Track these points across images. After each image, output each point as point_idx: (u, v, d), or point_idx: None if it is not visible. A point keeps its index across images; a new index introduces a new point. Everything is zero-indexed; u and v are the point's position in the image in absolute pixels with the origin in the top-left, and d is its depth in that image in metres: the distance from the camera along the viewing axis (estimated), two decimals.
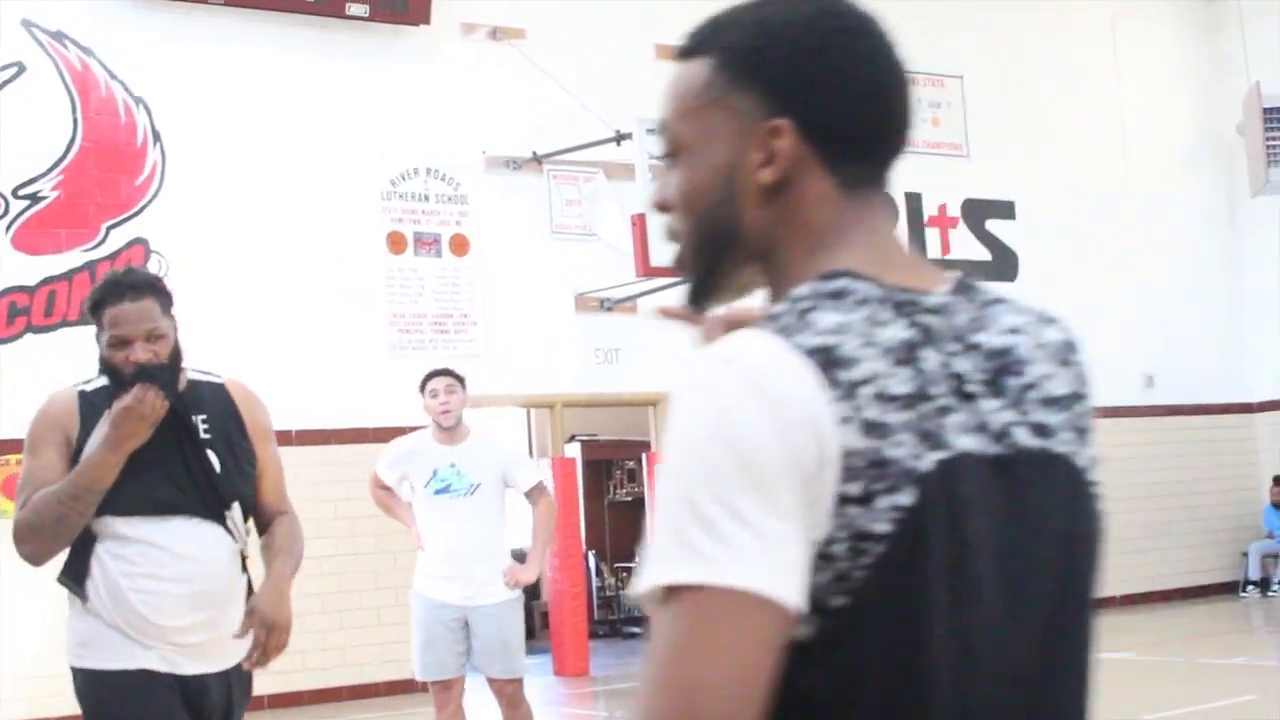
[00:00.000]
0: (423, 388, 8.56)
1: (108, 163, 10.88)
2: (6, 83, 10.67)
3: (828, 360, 1.49)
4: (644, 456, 12.20)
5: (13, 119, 10.61)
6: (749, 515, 1.41)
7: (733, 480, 1.42)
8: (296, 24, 11.46)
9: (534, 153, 11.92)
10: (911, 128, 1.67)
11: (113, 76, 10.96)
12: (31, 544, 4.18)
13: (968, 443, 1.53)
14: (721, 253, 1.70)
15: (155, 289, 4.25)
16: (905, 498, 1.46)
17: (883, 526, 1.45)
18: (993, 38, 14.66)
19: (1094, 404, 1.69)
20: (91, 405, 4.23)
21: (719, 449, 1.44)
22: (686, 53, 1.70)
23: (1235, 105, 15.13)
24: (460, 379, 8.46)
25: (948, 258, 13.87)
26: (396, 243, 11.57)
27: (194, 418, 4.29)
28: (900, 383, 1.51)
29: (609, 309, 12.02)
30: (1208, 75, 16.62)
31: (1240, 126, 15.06)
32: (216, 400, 4.41)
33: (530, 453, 14.30)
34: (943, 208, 14.02)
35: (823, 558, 1.45)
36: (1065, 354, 1.69)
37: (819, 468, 1.44)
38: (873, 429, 1.47)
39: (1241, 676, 10.69)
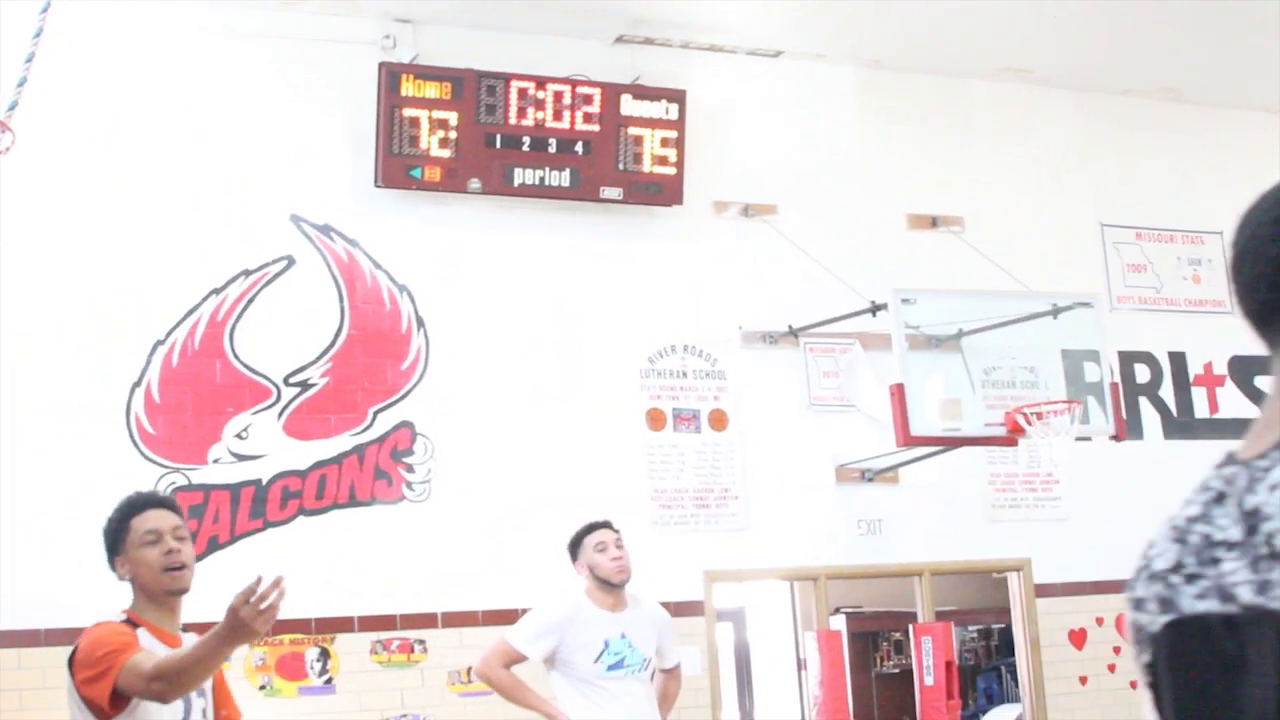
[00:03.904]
0: (579, 543, 7.79)
1: (374, 349, 11.14)
2: (277, 275, 11.03)
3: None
4: (910, 628, 11.95)
5: (284, 310, 10.94)
6: None
7: None
8: (551, 209, 11.68)
9: (790, 326, 11.93)
10: None
11: (377, 266, 11.26)
12: None
13: (1200, 606, 1.67)
14: None
15: None
16: (1146, 656, 1.74)
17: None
18: (1250, 192, 14.32)
19: None
20: None
21: None
22: None
23: None
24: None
25: (1215, 417, 13.49)
26: (656, 419, 11.61)
27: None
28: (1165, 560, 1.72)
29: (870, 479, 11.90)
30: None
31: None
32: None
33: (795, 626, 14.13)
34: (1208, 366, 13.64)
35: None
36: None
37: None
38: (1135, 605, 1.77)
39: None
